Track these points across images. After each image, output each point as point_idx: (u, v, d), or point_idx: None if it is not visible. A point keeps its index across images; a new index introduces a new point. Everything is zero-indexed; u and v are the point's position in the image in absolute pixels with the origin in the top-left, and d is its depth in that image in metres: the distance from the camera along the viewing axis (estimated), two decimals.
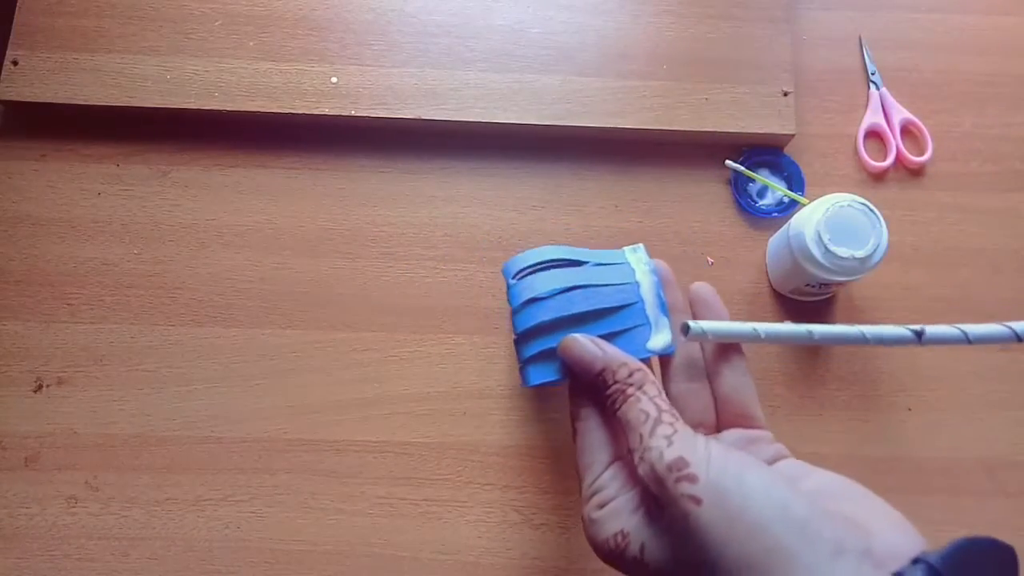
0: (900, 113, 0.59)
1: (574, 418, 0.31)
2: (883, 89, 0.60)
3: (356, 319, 0.54)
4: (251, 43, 0.57)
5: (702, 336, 0.30)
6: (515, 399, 0.53)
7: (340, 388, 0.53)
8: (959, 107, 0.60)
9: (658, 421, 0.26)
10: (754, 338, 0.29)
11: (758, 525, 0.22)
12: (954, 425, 0.53)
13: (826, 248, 0.47)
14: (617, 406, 0.27)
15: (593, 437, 0.30)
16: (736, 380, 0.31)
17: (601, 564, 0.28)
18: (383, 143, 0.58)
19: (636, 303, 0.32)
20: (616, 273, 0.33)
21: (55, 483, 0.50)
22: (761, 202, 0.57)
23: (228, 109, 0.55)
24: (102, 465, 0.51)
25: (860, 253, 0.47)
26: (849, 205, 0.47)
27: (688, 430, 0.25)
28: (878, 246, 0.47)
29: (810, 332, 0.28)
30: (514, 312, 0.33)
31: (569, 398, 0.32)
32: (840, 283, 0.50)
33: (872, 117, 0.60)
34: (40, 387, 0.52)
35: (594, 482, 0.29)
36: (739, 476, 0.23)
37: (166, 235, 0.56)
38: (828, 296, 0.55)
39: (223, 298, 0.54)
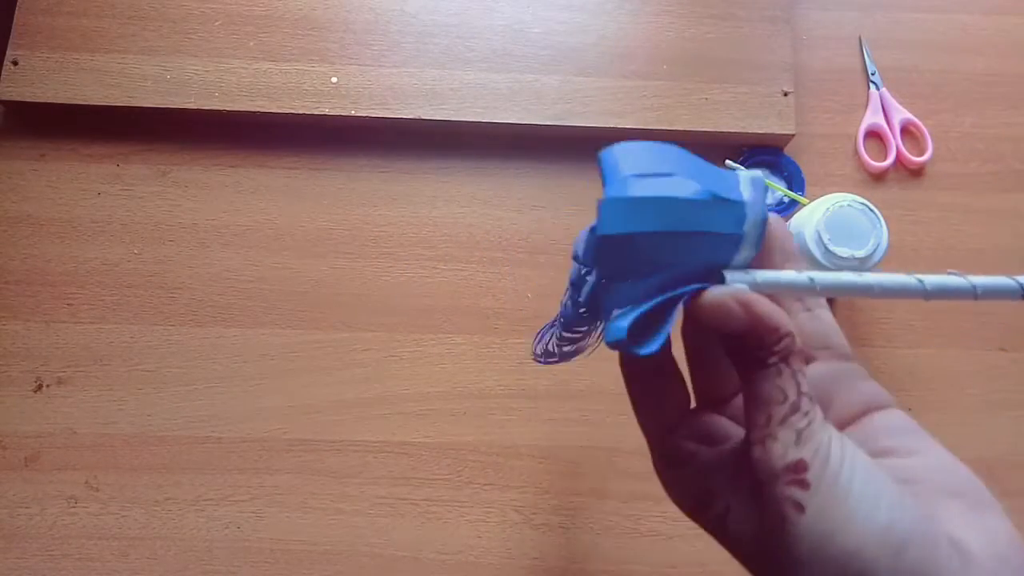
0: (900, 113, 0.59)
1: (628, 373, 0.27)
2: (883, 89, 0.60)
3: (356, 319, 0.54)
4: (251, 43, 0.57)
5: (754, 286, 0.24)
6: (515, 399, 0.53)
7: (340, 388, 0.53)
8: (959, 107, 0.60)
9: (794, 407, 0.22)
10: (810, 290, 0.25)
11: (850, 550, 0.21)
12: (954, 425, 0.53)
13: (826, 248, 0.47)
14: (751, 369, 0.23)
15: (655, 391, 0.26)
16: (825, 315, 0.27)
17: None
18: (383, 143, 0.58)
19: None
20: (728, 217, 0.25)
21: (55, 483, 0.50)
22: None
23: (228, 109, 0.55)
24: (102, 465, 0.51)
25: (860, 253, 0.47)
26: (849, 205, 0.47)
27: (818, 419, 0.22)
28: (878, 246, 0.47)
29: (869, 283, 0.24)
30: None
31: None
32: None
33: (872, 117, 0.60)
34: (40, 387, 0.52)
35: (667, 436, 0.26)
36: (847, 489, 0.21)
37: (166, 235, 0.56)
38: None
39: (223, 298, 0.54)
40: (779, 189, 0.57)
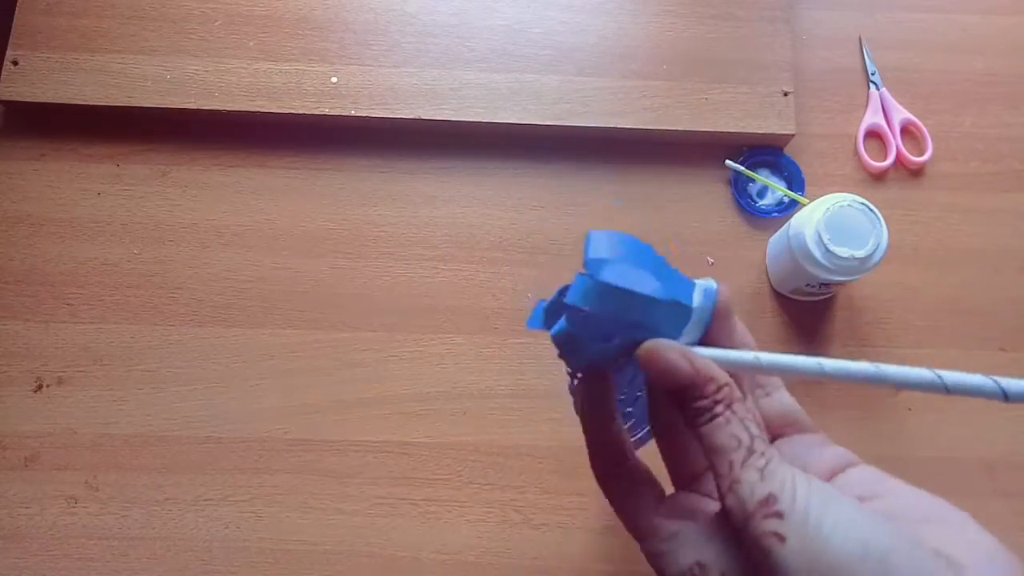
0: (900, 113, 0.59)
1: (611, 463, 0.29)
2: (883, 89, 0.60)
3: (356, 319, 0.54)
4: (251, 43, 0.57)
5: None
6: (515, 399, 0.53)
7: (340, 388, 0.53)
8: (959, 107, 0.60)
9: (751, 451, 0.24)
10: (755, 367, 0.27)
11: (837, 564, 0.21)
12: (954, 425, 0.53)
13: (826, 248, 0.47)
14: (702, 423, 0.25)
15: (636, 478, 0.28)
16: (785, 399, 0.30)
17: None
18: (383, 143, 0.58)
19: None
20: (674, 317, 0.28)
21: (55, 483, 0.50)
22: (761, 202, 0.57)
23: (228, 109, 0.55)
24: (102, 465, 0.51)
25: (860, 253, 0.47)
26: (849, 205, 0.47)
27: (776, 457, 0.24)
28: (878, 246, 0.47)
29: (820, 365, 0.26)
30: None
31: (601, 449, 0.29)
32: (840, 283, 0.50)
33: (872, 117, 0.60)
34: (40, 387, 0.52)
35: (651, 519, 0.27)
36: (821, 512, 0.23)
37: (166, 235, 0.56)
38: (828, 296, 0.55)
39: (223, 298, 0.54)
40: (779, 189, 0.57)
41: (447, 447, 0.52)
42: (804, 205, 0.55)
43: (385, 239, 0.56)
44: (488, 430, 0.52)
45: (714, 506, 0.27)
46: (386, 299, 0.55)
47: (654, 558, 0.27)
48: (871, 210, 0.47)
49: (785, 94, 0.57)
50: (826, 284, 0.50)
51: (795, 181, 0.57)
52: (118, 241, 0.55)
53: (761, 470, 0.23)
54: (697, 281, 0.29)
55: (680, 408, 0.26)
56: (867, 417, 0.53)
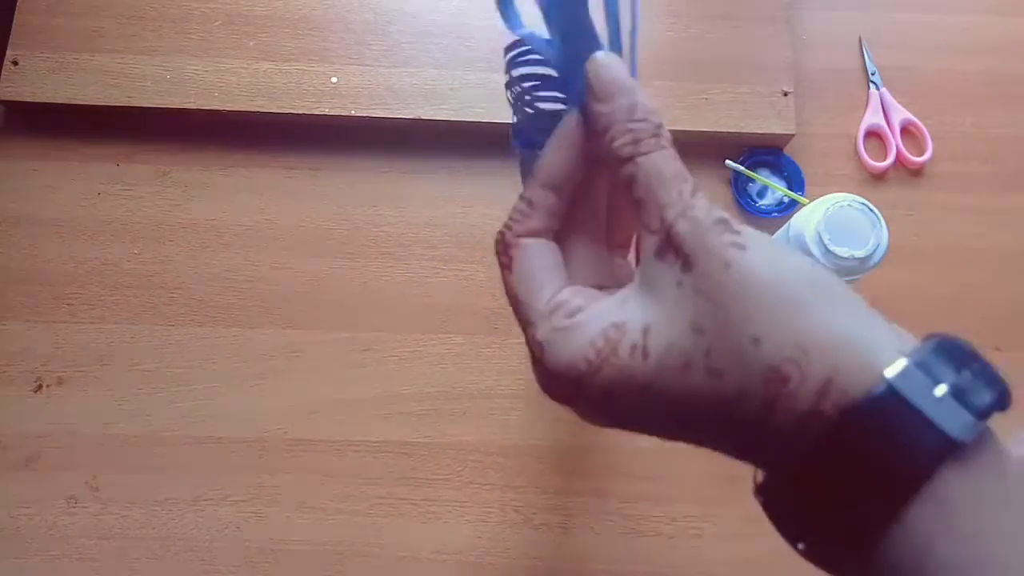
0: (900, 113, 0.59)
1: (522, 232, 0.25)
2: (883, 89, 0.60)
3: (356, 319, 0.54)
4: (251, 43, 0.57)
5: None
6: (515, 399, 0.53)
7: (340, 388, 0.53)
8: (959, 107, 0.60)
9: (696, 187, 0.22)
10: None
11: (803, 268, 0.21)
12: None
13: (826, 248, 0.47)
14: (644, 150, 0.23)
15: (542, 257, 0.25)
16: None
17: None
18: (383, 143, 0.58)
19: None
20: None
21: (55, 483, 0.50)
22: (761, 202, 0.57)
23: (228, 109, 0.55)
24: (102, 465, 0.51)
25: (860, 253, 0.47)
26: (849, 205, 0.47)
27: None
28: (878, 246, 0.47)
29: None
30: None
31: (527, 207, 0.26)
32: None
33: (872, 117, 0.60)
34: (40, 387, 0.52)
35: (553, 297, 0.24)
36: (772, 239, 0.22)
37: (166, 235, 0.56)
38: None
39: (223, 298, 0.54)
40: (779, 189, 0.57)
41: (447, 447, 0.52)
42: (804, 205, 0.55)
43: (385, 239, 0.56)
44: (488, 430, 0.52)
45: (621, 291, 0.24)
46: (386, 299, 0.55)
47: (551, 341, 0.24)
48: (871, 210, 0.47)
49: (785, 94, 0.57)
50: None
51: (795, 181, 0.57)
52: (118, 241, 0.55)
53: (709, 204, 0.22)
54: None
55: (616, 132, 0.23)
56: None
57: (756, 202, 0.57)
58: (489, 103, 0.56)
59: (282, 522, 0.50)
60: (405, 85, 0.56)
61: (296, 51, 0.56)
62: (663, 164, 0.22)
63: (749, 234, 0.21)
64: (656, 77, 0.57)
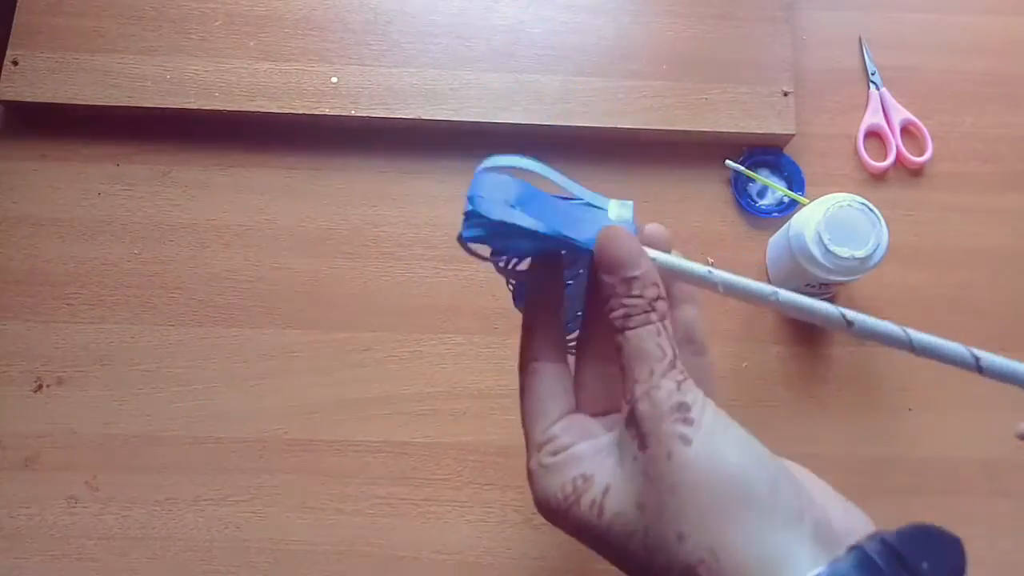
0: (900, 113, 0.59)
1: (529, 359, 0.29)
2: (883, 89, 0.60)
3: (356, 319, 0.54)
4: (251, 43, 0.57)
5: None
6: (515, 399, 0.53)
7: (340, 388, 0.53)
8: (959, 107, 0.60)
9: (672, 364, 0.24)
10: (708, 281, 0.28)
11: (736, 475, 0.22)
12: (954, 425, 0.53)
13: (826, 248, 0.47)
14: (632, 325, 0.25)
15: (550, 385, 0.29)
16: (697, 360, 0.30)
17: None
18: (383, 143, 0.58)
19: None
20: (592, 218, 0.29)
21: (55, 483, 0.50)
22: (761, 202, 0.57)
23: (228, 109, 0.55)
24: (102, 465, 0.51)
25: (860, 253, 0.47)
26: (849, 205, 0.47)
27: (691, 380, 0.25)
28: (878, 246, 0.47)
29: (775, 293, 0.27)
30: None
31: (527, 336, 0.30)
32: (840, 283, 0.50)
33: (872, 117, 0.59)
34: (40, 387, 0.52)
35: (547, 430, 0.28)
36: (725, 428, 0.24)
37: (166, 235, 0.56)
38: (828, 296, 0.55)
39: (223, 298, 0.54)
40: (779, 189, 0.57)
41: (447, 447, 0.52)
42: (804, 205, 0.55)
43: (385, 239, 0.56)
44: (488, 430, 0.52)
45: (610, 433, 0.27)
46: (386, 299, 0.55)
47: (538, 472, 0.27)
48: (871, 210, 0.47)
49: (785, 94, 0.57)
50: (826, 284, 0.50)
51: (795, 181, 0.57)
52: (118, 241, 0.55)
53: (679, 383, 0.24)
54: (612, 201, 0.30)
55: (614, 304, 0.26)
56: (867, 417, 0.53)
57: (756, 202, 0.57)
58: (489, 103, 0.56)
59: (282, 522, 0.50)
60: (405, 85, 0.56)
61: (296, 51, 0.56)
62: (645, 341, 0.25)
63: (702, 424, 0.23)
64: (656, 77, 0.57)
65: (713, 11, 0.59)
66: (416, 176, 0.57)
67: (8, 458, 0.51)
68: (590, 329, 0.30)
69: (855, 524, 0.25)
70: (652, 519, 0.23)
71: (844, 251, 0.47)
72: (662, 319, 0.26)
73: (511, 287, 0.33)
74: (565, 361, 0.29)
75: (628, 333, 0.25)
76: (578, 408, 0.29)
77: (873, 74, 0.61)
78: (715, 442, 0.23)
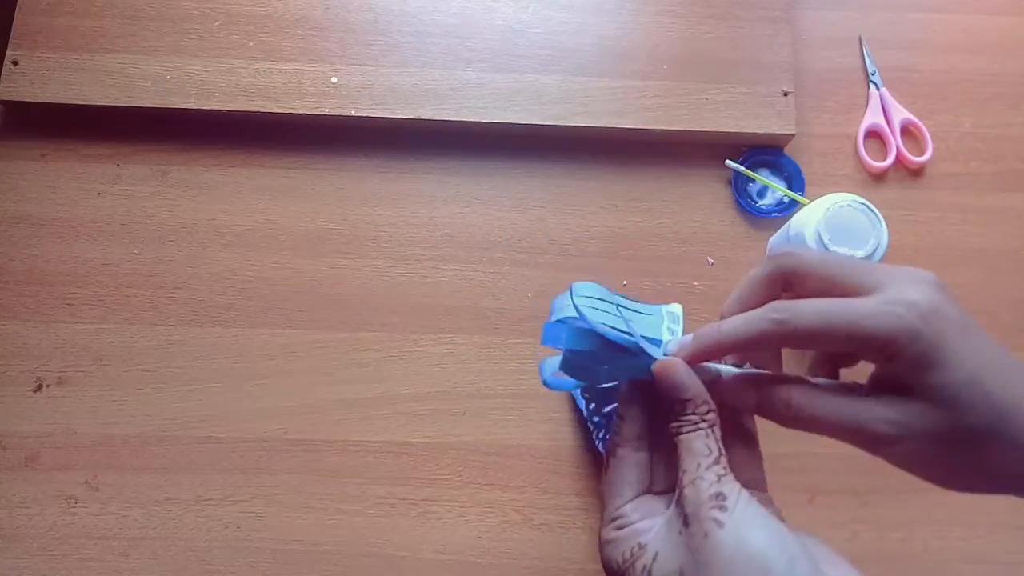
0: (900, 113, 0.59)
1: (616, 446, 0.35)
2: (883, 89, 0.60)
3: (356, 319, 0.54)
4: (251, 43, 0.57)
5: (717, 376, 0.34)
6: (515, 399, 0.53)
7: (340, 388, 0.53)
8: (959, 107, 0.60)
9: (716, 460, 0.30)
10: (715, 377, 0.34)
11: (758, 554, 0.27)
12: None
13: (826, 248, 0.47)
14: (685, 431, 0.31)
15: (628, 471, 0.33)
16: (748, 450, 0.35)
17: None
18: (383, 143, 0.58)
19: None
20: (648, 326, 0.35)
21: (55, 483, 0.50)
22: (761, 202, 0.57)
23: (228, 109, 0.55)
24: (102, 465, 0.51)
25: (860, 253, 0.47)
26: (849, 205, 0.47)
27: (731, 475, 0.30)
28: (878, 246, 0.47)
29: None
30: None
31: (619, 424, 0.35)
32: None
33: (872, 117, 0.60)
34: (40, 387, 0.52)
35: (619, 508, 0.33)
36: (755, 516, 0.28)
37: (166, 235, 0.56)
38: None
39: (223, 298, 0.54)
40: (779, 189, 0.57)
41: (447, 447, 0.52)
42: (804, 205, 0.55)
43: (385, 239, 0.56)
44: (488, 430, 0.52)
45: (665, 513, 0.32)
46: (386, 299, 0.55)
47: (607, 541, 0.32)
48: (871, 210, 0.47)
49: (785, 94, 0.57)
50: None
51: (795, 181, 0.57)
52: (118, 241, 0.55)
53: (720, 476, 0.29)
54: (662, 308, 0.36)
55: (672, 416, 0.32)
56: None
57: (756, 202, 0.57)
58: (489, 103, 0.56)
59: (282, 522, 0.50)
60: (405, 85, 0.56)
61: (296, 51, 0.56)
62: (695, 443, 0.31)
63: (735, 512, 0.28)
64: (656, 77, 0.57)
65: (713, 11, 0.59)
66: (416, 176, 0.57)
67: (8, 458, 0.51)
68: (661, 422, 0.35)
69: None
70: None
71: (844, 251, 0.47)
72: (711, 426, 0.31)
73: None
74: (646, 450, 0.34)
75: (682, 436, 0.31)
76: (651, 482, 0.34)
77: (873, 74, 0.61)
78: (743, 527, 0.28)
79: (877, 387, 0.31)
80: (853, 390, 0.32)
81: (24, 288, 0.54)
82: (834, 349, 0.35)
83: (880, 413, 0.30)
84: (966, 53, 0.62)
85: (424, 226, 0.56)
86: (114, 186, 0.56)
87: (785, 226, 0.52)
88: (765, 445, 0.35)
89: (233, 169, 0.57)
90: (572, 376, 0.34)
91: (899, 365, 0.29)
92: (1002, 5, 0.63)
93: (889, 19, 0.62)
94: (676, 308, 0.36)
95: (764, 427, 0.34)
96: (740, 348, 0.32)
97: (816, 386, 0.32)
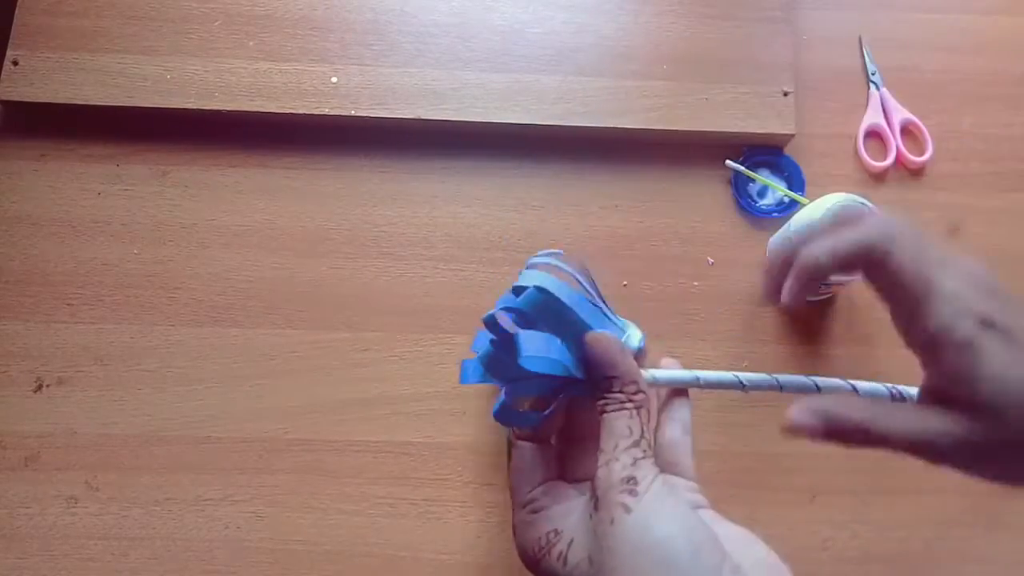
0: (900, 113, 0.59)
1: (516, 437, 0.35)
2: (883, 89, 0.60)
3: (356, 319, 0.54)
4: (251, 43, 0.57)
5: (652, 382, 0.35)
6: None
7: (340, 388, 0.53)
8: (959, 107, 0.60)
9: (635, 443, 0.29)
10: (695, 384, 0.34)
11: (662, 542, 0.27)
12: None
13: None
14: (609, 409, 0.31)
15: (531, 457, 0.34)
16: (676, 435, 0.35)
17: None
18: (383, 143, 0.58)
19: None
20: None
21: (55, 483, 0.50)
22: (761, 202, 0.57)
23: (228, 109, 0.55)
24: (102, 465, 0.51)
25: None
26: (849, 205, 0.47)
27: (650, 460, 0.29)
28: None
29: (739, 380, 0.34)
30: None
31: (512, 435, 0.36)
32: (840, 283, 0.50)
33: (872, 117, 0.60)
34: (40, 387, 0.52)
35: (528, 493, 0.33)
36: (664, 501, 0.28)
37: (166, 235, 0.56)
38: (828, 296, 0.55)
39: (223, 298, 0.54)
40: (779, 189, 0.57)
41: (447, 447, 0.52)
42: (804, 205, 0.55)
43: (385, 239, 0.56)
44: (488, 430, 0.52)
45: (581, 497, 0.32)
46: (386, 299, 0.55)
47: (520, 527, 0.33)
48: (871, 210, 0.47)
49: (785, 94, 0.57)
50: (826, 284, 0.50)
51: (795, 181, 0.57)
52: (118, 241, 0.55)
53: (636, 460, 0.29)
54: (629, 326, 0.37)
55: (598, 395, 0.32)
56: None
57: (756, 202, 0.57)
58: (489, 103, 0.56)
59: (282, 522, 0.50)
60: (405, 85, 0.56)
61: (296, 51, 0.56)
62: (616, 422, 0.30)
63: (644, 498, 0.28)
64: (656, 77, 0.57)
65: (713, 11, 0.59)
66: (416, 176, 0.57)
67: (8, 458, 0.51)
68: (574, 411, 0.36)
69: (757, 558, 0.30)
70: (597, 572, 0.28)
71: None
72: (637, 408, 0.31)
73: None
74: (545, 441, 0.35)
75: (606, 414, 0.31)
76: (562, 475, 0.35)
77: (873, 74, 0.61)
78: (650, 514, 0.27)
79: (931, 395, 0.30)
80: (901, 401, 0.32)
81: (24, 288, 0.54)
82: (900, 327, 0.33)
83: (941, 425, 0.29)
84: (966, 53, 0.62)
85: (424, 226, 0.56)
86: (114, 186, 0.56)
87: (785, 226, 0.52)
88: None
89: (233, 169, 0.57)
90: (489, 371, 0.34)
91: (944, 372, 0.29)
92: (1002, 5, 0.63)
93: (889, 19, 0.62)
94: (636, 339, 0.37)
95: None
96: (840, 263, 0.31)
97: (874, 402, 0.31)
